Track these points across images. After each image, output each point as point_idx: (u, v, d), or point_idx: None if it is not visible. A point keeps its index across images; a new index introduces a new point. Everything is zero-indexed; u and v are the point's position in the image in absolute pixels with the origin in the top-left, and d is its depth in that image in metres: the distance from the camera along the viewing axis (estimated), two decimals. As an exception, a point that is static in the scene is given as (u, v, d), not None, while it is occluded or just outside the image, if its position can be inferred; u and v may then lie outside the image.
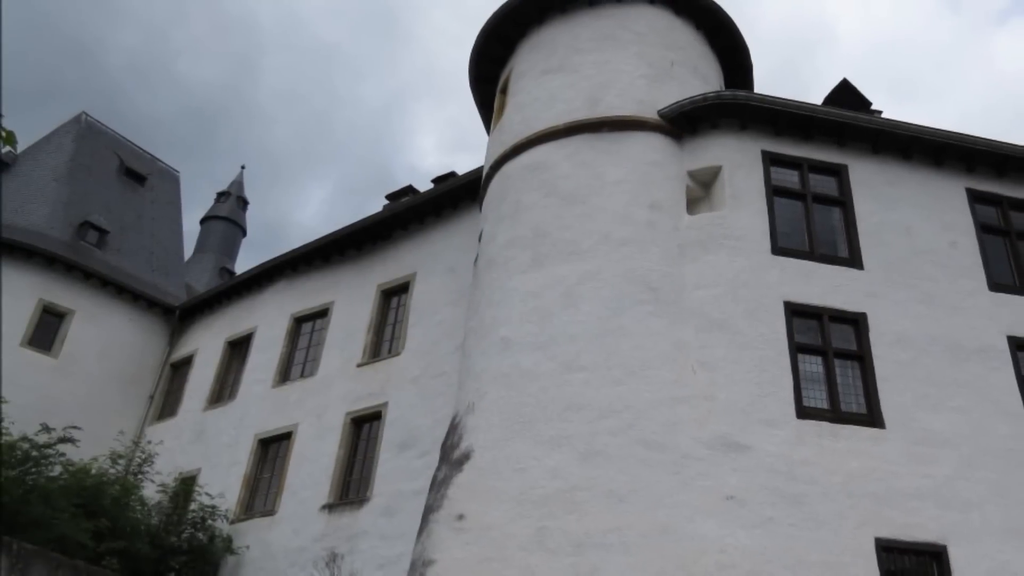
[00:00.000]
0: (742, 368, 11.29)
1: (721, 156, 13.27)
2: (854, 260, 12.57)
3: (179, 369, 23.15)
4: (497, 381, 11.77)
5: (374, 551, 14.47)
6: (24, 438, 14.21)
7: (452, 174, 20.26)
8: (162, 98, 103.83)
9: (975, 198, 13.67)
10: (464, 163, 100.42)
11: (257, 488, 17.98)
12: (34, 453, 14.10)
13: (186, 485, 18.24)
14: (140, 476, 17.25)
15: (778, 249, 12.42)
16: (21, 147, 13.22)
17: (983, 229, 13.39)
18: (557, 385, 11.28)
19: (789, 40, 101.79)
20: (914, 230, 13.04)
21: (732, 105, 13.46)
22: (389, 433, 16.01)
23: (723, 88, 15.45)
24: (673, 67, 14.30)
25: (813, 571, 9.89)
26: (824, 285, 12.20)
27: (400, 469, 15.20)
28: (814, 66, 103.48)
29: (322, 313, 19.58)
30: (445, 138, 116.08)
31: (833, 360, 11.66)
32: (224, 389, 20.95)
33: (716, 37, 15.72)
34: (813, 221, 12.91)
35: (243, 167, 48.41)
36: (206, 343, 22.44)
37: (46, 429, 14.63)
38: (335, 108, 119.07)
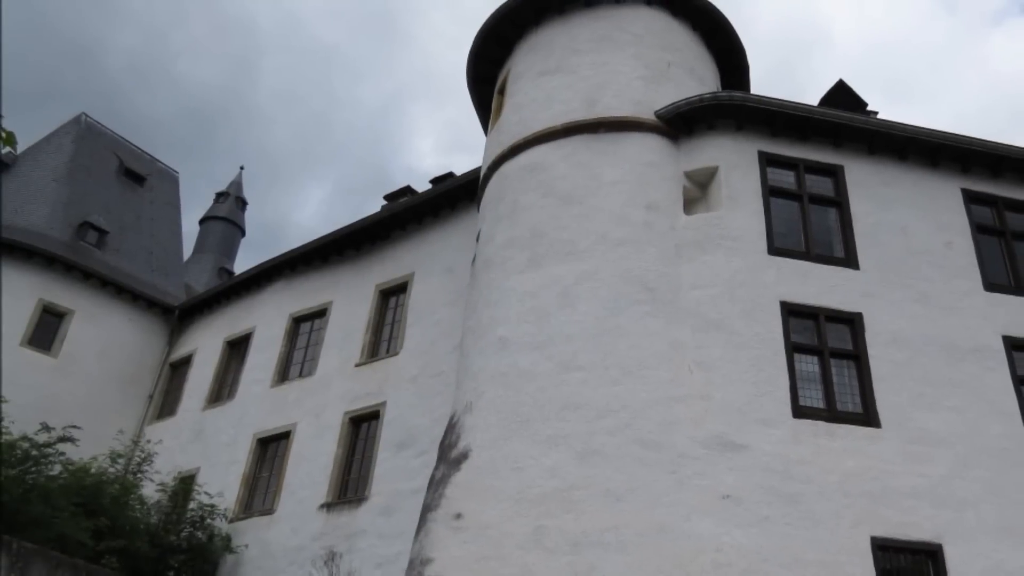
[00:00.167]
0: (738, 368, 11.33)
1: (718, 157, 13.32)
2: (850, 260, 12.62)
3: (178, 369, 23.18)
4: (495, 381, 11.81)
5: (372, 550, 14.51)
6: (24, 437, 14.26)
7: (450, 175, 20.30)
8: (161, 99, 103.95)
9: (970, 198, 13.71)
10: (462, 164, 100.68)
11: (256, 487, 18.02)
12: (34, 452, 14.14)
13: (185, 484, 18.28)
14: (139, 475, 17.29)
15: (774, 249, 12.46)
16: (21, 148, 13.25)
17: (978, 229, 13.43)
18: (554, 385, 11.32)
19: (785, 41, 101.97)
20: (910, 230, 13.09)
21: (728, 106, 13.50)
22: (387, 432, 16.05)
23: (720, 89, 15.49)
24: (670, 68, 14.35)
25: (809, 570, 9.93)
26: (820, 285, 12.25)
27: (398, 468, 15.24)
28: (810, 67, 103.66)
29: (320, 313, 19.63)
30: (443, 139, 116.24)
31: (829, 360, 11.70)
32: (223, 388, 20.99)
33: (712, 38, 15.76)
34: (809, 221, 12.96)
35: (242, 168, 48.56)
36: (205, 343, 22.48)
37: (46, 428, 14.69)
38: (333, 109, 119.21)
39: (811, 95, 70.44)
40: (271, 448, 18.43)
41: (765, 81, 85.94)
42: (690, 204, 13.16)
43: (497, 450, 11.08)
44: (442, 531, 10.51)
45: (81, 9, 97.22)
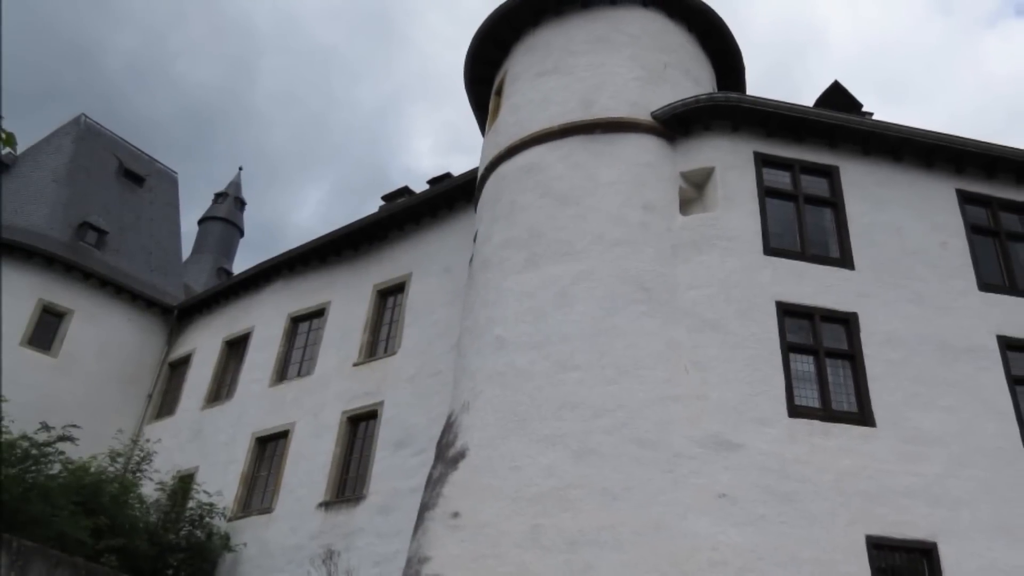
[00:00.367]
0: (734, 367, 11.39)
1: (713, 157, 13.38)
2: (845, 260, 12.68)
3: (177, 368, 23.23)
4: (492, 380, 11.87)
5: (370, 548, 14.56)
6: (24, 436, 14.28)
7: (447, 175, 20.36)
8: (160, 100, 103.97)
9: (965, 199, 13.77)
10: (459, 164, 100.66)
11: (254, 486, 18.07)
12: (34, 451, 14.17)
13: (184, 483, 18.32)
14: (139, 474, 17.33)
15: (770, 249, 12.53)
16: (21, 149, 13.26)
17: (973, 230, 13.50)
18: (551, 384, 11.38)
19: (781, 43, 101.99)
20: (905, 231, 13.15)
21: (724, 107, 13.57)
22: (385, 432, 16.11)
23: (715, 90, 15.54)
24: (666, 69, 14.40)
25: (804, 568, 10.00)
26: (815, 285, 12.31)
27: (396, 467, 15.30)
28: (805, 68, 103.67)
29: (319, 313, 19.68)
30: (440, 140, 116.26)
31: (824, 359, 11.77)
32: (222, 388, 21.04)
33: (708, 40, 15.82)
34: (805, 222, 13.02)
35: (240, 168, 48.56)
36: (204, 342, 22.53)
37: (46, 427, 14.71)
38: (331, 110, 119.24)
39: (806, 96, 70.34)
40: (269, 447, 18.47)
41: (761, 82, 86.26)
42: (686, 204, 13.21)
43: (494, 449, 11.13)
44: (440, 530, 10.57)
45: (80, 10, 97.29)
